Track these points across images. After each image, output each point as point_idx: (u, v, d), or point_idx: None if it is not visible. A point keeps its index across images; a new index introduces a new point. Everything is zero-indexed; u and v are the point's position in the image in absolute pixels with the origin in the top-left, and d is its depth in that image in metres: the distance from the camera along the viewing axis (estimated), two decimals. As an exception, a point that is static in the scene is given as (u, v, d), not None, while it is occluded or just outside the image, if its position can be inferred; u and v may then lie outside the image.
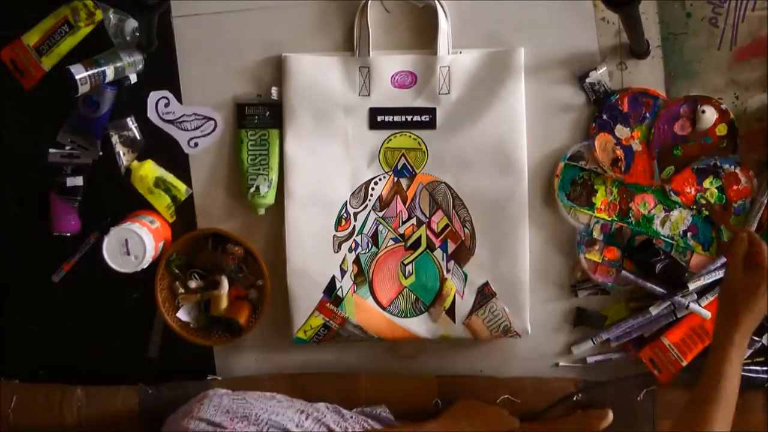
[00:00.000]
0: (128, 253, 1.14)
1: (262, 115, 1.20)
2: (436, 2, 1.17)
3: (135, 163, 1.21)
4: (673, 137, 1.19)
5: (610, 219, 1.21)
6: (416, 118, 1.19)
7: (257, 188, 1.19)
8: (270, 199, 1.20)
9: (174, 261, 1.22)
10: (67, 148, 1.21)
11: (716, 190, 1.19)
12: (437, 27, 1.17)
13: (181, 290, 1.22)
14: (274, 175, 1.20)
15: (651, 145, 1.19)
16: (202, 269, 1.23)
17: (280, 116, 1.20)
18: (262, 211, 1.21)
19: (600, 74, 1.18)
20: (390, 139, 1.20)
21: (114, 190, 1.22)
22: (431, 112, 1.19)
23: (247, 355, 1.26)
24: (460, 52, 1.19)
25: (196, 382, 1.23)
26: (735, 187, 1.19)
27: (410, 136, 1.20)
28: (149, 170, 1.20)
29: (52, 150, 1.21)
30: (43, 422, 1.20)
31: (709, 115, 1.17)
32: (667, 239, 1.20)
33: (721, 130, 1.18)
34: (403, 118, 1.19)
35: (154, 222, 1.19)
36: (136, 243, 1.14)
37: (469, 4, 1.18)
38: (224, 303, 1.22)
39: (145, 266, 1.16)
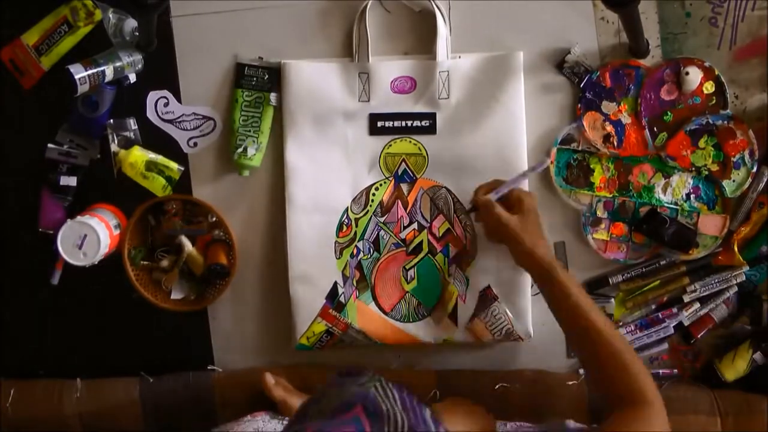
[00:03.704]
0: (80, 248, 1.14)
1: (260, 77, 1.19)
2: (435, 7, 1.17)
3: (122, 152, 1.20)
4: (661, 103, 1.19)
5: (611, 195, 1.21)
6: (416, 123, 1.19)
7: (245, 149, 1.18)
8: (256, 162, 1.20)
9: (137, 256, 1.21)
10: (65, 147, 1.20)
11: (712, 149, 1.18)
12: (436, 32, 1.17)
13: (161, 274, 1.22)
14: (264, 139, 1.20)
15: (640, 115, 1.19)
16: (164, 246, 1.23)
17: (280, 118, 1.20)
18: (246, 173, 1.20)
19: (576, 55, 1.18)
20: (390, 145, 1.20)
21: (108, 192, 1.22)
22: (431, 117, 1.19)
23: (248, 363, 1.25)
24: (459, 57, 1.19)
25: (197, 372, 1.22)
26: (731, 142, 1.18)
27: (410, 142, 1.19)
28: (137, 156, 1.20)
29: (50, 145, 1.20)
30: (42, 414, 1.20)
31: (694, 75, 1.16)
32: (671, 205, 1.20)
33: (708, 88, 1.18)
34: (403, 124, 1.19)
35: (118, 228, 1.19)
36: (92, 242, 1.13)
37: (469, 6, 1.19)
38: (198, 257, 1.21)
39: (93, 264, 1.15)
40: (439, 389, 1.20)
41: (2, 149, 1.22)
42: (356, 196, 1.20)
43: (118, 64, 1.15)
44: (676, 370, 1.24)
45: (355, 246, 1.20)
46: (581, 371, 1.24)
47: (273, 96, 1.19)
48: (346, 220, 1.20)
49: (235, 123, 1.19)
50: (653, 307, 1.23)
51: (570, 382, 1.20)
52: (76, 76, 1.10)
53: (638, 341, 1.23)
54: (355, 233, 1.20)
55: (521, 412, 1.18)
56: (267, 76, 1.19)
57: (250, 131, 1.19)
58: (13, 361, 1.25)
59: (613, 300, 1.23)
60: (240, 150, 1.18)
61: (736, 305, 1.23)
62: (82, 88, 1.11)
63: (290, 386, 1.19)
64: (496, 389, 1.19)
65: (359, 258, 1.20)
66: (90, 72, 1.12)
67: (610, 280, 1.22)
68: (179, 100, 1.21)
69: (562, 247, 1.23)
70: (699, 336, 1.22)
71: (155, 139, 1.21)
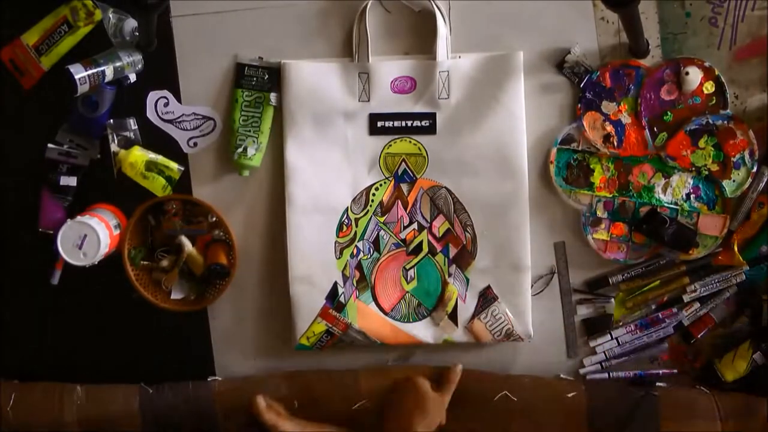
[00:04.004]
0: (80, 248, 1.14)
1: (260, 77, 1.19)
2: (435, 7, 1.17)
3: (122, 152, 1.20)
4: (661, 103, 1.19)
5: (611, 195, 1.21)
6: (416, 123, 1.19)
7: (245, 149, 1.18)
8: (256, 162, 1.20)
9: (137, 256, 1.21)
10: (65, 147, 1.20)
11: (713, 149, 1.18)
12: (436, 32, 1.17)
13: (161, 274, 1.22)
14: (264, 139, 1.20)
15: (640, 115, 1.19)
16: (164, 246, 1.23)
17: (280, 118, 1.20)
18: (246, 173, 1.20)
19: (576, 55, 1.18)
20: (390, 145, 1.19)
21: (108, 192, 1.22)
22: (431, 117, 1.19)
23: (248, 362, 1.25)
24: (459, 57, 1.19)
25: (197, 382, 1.22)
26: (731, 142, 1.18)
27: (410, 142, 1.19)
28: (137, 156, 1.20)
29: (50, 145, 1.20)
30: (42, 420, 1.19)
31: (694, 75, 1.16)
32: (671, 205, 1.20)
33: (708, 88, 1.18)
34: (403, 124, 1.19)
35: (118, 228, 1.18)
36: (92, 242, 1.13)
37: (469, 6, 1.19)
38: (198, 257, 1.21)
39: (93, 264, 1.15)
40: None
41: (2, 149, 1.22)
42: (356, 196, 1.20)
43: (118, 64, 1.15)
44: (676, 370, 1.24)
45: (355, 246, 1.20)
46: (581, 369, 1.24)
47: (273, 96, 1.19)
48: (346, 220, 1.20)
49: (235, 123, 1.19)
50: (653, 307, 1.23)
51: (570, 394, 1.19)
52: (76, 76, 1.10)
53: (638, 341, 1.23)
54: (355, 233, 1.20)
55: (520, 419, 1.18)
56: (267, 76, 1.19)
57: (250, 131, 1.19)
58: (13, 361, 1.25)
59: (613, 300, 1.23)
60: (240, 150, 1.18)
61: (736, 305, 1.23)
62: (82, 88, 1.11)
63: (283, 411, 1.18)
64: (496, 399, 1.19)
65: (359, 258, 1.20)
66: (90, 72, 1.12)
67: (610, 280, 1.22)
68: (179, 100, 1.21)
69: (562, 247, 1.23)
70: (699, 336, 1.22)
71: (155, 139, 1.21)
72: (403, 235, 1.20)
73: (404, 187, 1.20)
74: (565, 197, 1.21)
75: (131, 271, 1.19)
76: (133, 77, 1.19)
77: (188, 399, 1.20)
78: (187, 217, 1.22)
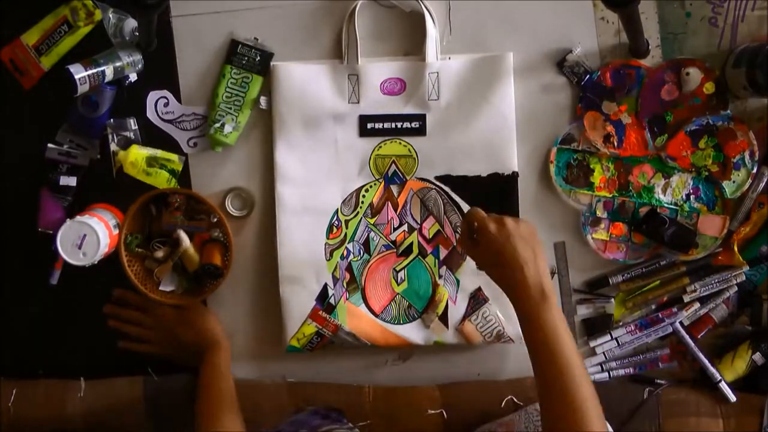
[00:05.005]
0: (79, 248, 1.14)
1: (252, 58, 1.19)
2: (424, 8, 1.16)
3: (121, 153, 1.20)
4: (661, 104, 1.18)
5: (611, 195, 1.20)
6: (406, 124, 1.19)
7: (222, 125, 1.18)
8: (231, 140, 1.20)
9: (132, 242, 1.20)
10: (65, 147, 1.20)
11: (713, 150, 1.18)
12: (425, 33, 1.17)
13: (154, 264, 1.21)
14: (243, 119, 1.20)
15: (640, 115, 1.19)
16: (160, 237, 1.22)
17: (270, 120, 1.20)
18: (219, 149, 1.20)
19: (576, 55, 1.18)
20: (380, 147, 1.19)
21: (108, 192, 1.22)
22: (421, 118, 1.19)
23: (241, 365, 1.25)
24: (449, 58, 1.18)
25: None
26: (732, 143, 1.17)
27: (400, 143, 1.19)
28: (137, 154, 1.20)
29: (50, 145, 1.21)
30: (44, 413, 1.19)
31: (694, 75, 1.16)
32: (671, 206, 1.20)
33: (709, 88, 1.17)
34: (393, 125, 1.19)
35: (118, 228, 1.18)
36: (91, 242, 1.13)
37: (467, 6, 1.18)
38: (194, 255, 1.21)
39: (92, 263, 1.15)
40: (444, 405, 1.19)
41: (2, 149, 1.22)
42: (346, 198, 1.20)
43: (118, 64, 1.16)
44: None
45: (345, 248, 1.20)
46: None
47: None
48: (336, 222, 1.20)
49: (218, 98, 1.19)
50: (653, 307, 1.23)
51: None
52: (76, 76, 1.11)
53: (638, 341, 1.23)
54: (345, 235, 1.20)
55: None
56: (258, 58, 1.19)
57: (231, 108, 1.19)
58: (12, 361, 1.25)
59: (613, 300, 1.23)
60: (217, 125, 1.18)
61: (736, 305, 1.22)
62: (82, 88, 1.12)
63: None
64: (503, 405, 1.19)
65: (349, 260, 1.20)
66: (90, 72, 1.13)
67: (610, 280, 1.22)
68: (179, 100, 1.21)
69: (562, 247, 1.23)
70: (699, 336, 1.22)
71: (155, 139, 1.22)
72: (393, 237, 1.20)
73: (394, 188, 1.20)
74: (565, 197, 1.21)
75: (125, 255, 1.18)
76: (133, 77, 1.19)
77: (193, 387, 1.19)
78: (189, 213, 1.22)
